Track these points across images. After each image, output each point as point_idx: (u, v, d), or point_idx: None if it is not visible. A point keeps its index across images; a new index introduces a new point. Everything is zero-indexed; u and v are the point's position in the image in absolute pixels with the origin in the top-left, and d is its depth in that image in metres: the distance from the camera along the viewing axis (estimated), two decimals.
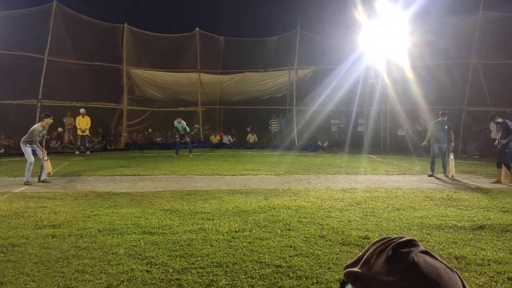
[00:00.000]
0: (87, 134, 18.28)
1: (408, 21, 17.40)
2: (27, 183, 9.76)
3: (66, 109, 19.88)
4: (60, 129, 20.00)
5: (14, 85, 18.47)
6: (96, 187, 9.40)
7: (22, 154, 10.72)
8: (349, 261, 0.88)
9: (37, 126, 10.46)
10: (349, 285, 0.97)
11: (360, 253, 0.88)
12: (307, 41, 21.83)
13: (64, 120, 20.02)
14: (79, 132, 18.10)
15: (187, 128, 17.29)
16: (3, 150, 17.04)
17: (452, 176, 11.37)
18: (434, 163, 11.70)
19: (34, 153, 10.27)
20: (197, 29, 22.50)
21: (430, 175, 11.56)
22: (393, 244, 0.81)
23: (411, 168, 13.44)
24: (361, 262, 0.84)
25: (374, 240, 0.88)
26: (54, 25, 18.83)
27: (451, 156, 11.65)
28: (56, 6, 18.89)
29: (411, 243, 0.81)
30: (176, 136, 17.75)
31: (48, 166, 10.24)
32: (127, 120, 21.69)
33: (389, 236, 0.86)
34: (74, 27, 19.37)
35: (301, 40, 21.98)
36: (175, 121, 17.14)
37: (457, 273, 0.80)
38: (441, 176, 11.48)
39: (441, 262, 0.80)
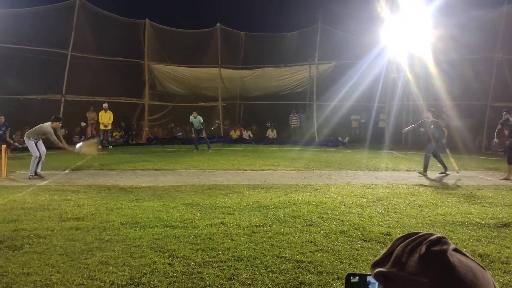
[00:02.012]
0: (110, 129, 18.57)
1: (431, 15, 17.09)
2: (31, 177, 9.85)
3: (89, 104, 20.20)
4: (83, 124, 20.33)
5: (38, 80, 18.84)
6: (119, 181, 9.54)
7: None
8: (376, 259, 0.83)
9: (47, 126, 10.39)
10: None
11: (386, 250, 0.83)
12: (328, 36, 21.64)
13: (87, 115, 20.34)
14: (101, 127, 18.36)
15: (203, 123, 17.30)
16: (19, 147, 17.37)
17: (457, 172, 11.03)
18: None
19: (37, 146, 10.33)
20: (218, 24, 22.55)
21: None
22: (425, 242, 0.78)
23: (433, 164, 13.20)
24: (391, 261, 0.80)
25: (399, 236, 0.84)
26: (78, 21, 19.10)
27: (447, 151, 11.45)
28: (79, 2, 19.14)
29: (442, 241, 0.78)
30: (193, 132, 17.77)
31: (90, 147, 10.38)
32: (148, 115, 21.93)
33: (416, 232, 0.82)
34: (97, 23, 19.63)
35: (322, 35, 21.80)
36: (191, 116, 17.20)
37: (487, 271, 0.77)
38: (470, 173, 11.30)
39: (473, 260, 0.77)
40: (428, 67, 17.87)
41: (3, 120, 14.62)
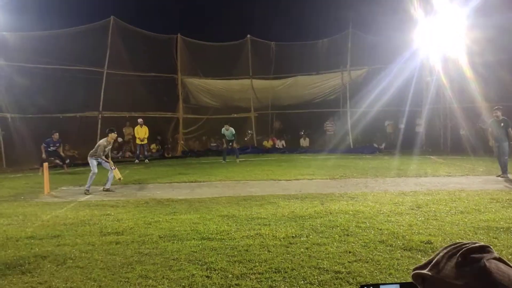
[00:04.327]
0: (146, 143, 18.93)
1: (466, 16, 16.64)
2: (86, 192, 10.20)
3: (125, 119, 20.70)
4: (120, 140, 20.79)
5: (76, 98, 19.46)
6: (156, 194, 9.69)
7: (86, 164, 11.27)
8: (419, 264, 0.88)
9: (102, 142, 10.90)
10: None
11: (431, 257, 0.87)
12: (359, 41, 21.38)
13: (123, 130, 20.82)
14: (137, 142, 18.79)
15: (235, 134, 17.74)
16: (68, 160, 17.93)
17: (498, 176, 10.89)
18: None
19: (100, 164, 10.78)
20: (248, 36, 22.75)
21: (499, 175, 11.00)
22: (464, 248, 0.81)
23: (474, 169, 12.82)
24: (430, 265, 0.84)
25: (445, 245, 0.87)
26: (112, 39, 19.69)
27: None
28: (113, 21, 19.74)
29: (484, 249, 0.80)
30: (224, 143, 18.28)
31: (117, 173, 10.72)
32: (183, 128, 22.26)
33: (461, 241, 0.85)
34: (130, 40, 20.17)
35: (353, 41, 21.60)
36: (223, 129, 17.61)
37: None
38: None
39: None
40: (462, 70, 17.38)
41: (58, 136, 15.54)
